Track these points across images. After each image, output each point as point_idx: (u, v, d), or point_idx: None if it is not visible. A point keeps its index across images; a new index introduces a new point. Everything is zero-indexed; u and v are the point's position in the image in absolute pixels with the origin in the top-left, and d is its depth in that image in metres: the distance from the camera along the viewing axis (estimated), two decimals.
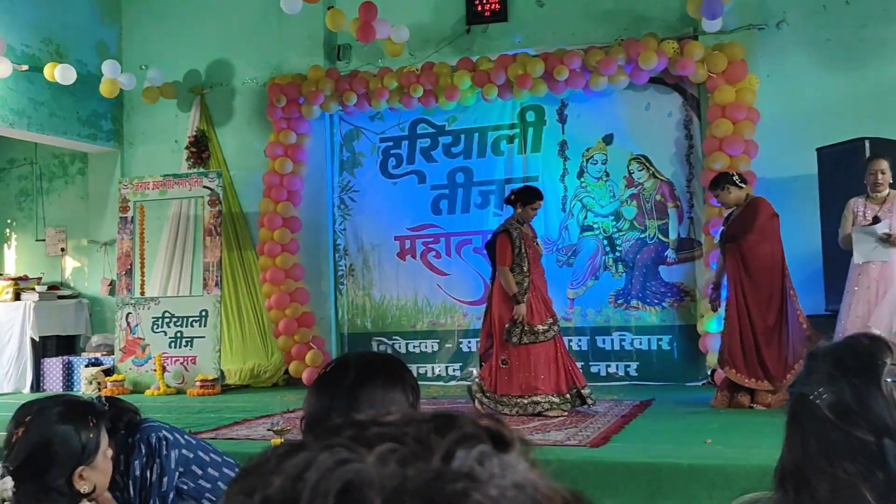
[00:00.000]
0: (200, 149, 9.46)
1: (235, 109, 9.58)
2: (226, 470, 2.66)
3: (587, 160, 8.49)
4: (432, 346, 8.82)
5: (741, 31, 7.84)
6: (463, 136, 8.84)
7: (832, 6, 7.73)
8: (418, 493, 0.46)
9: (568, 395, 6.18)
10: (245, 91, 9.53)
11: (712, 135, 7.67)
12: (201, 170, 9.30)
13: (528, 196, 6.42)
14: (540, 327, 6.18)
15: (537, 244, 6.54)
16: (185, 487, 2.56)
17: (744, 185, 6.21)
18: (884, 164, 5.76)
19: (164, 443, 2.53)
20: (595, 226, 8.44)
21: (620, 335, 8.26)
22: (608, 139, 8.41)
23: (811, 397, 1.04)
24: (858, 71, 7.57)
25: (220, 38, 9.54)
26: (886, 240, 5.65)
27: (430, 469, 0.48)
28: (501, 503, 0.47)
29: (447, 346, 8.76)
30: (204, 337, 8.63)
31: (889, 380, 1.00)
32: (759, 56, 7.82)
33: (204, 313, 8.69)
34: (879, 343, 1.06)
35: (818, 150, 6.73)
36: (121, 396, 6.77)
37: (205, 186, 8.96)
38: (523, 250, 6.21)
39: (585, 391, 6.22)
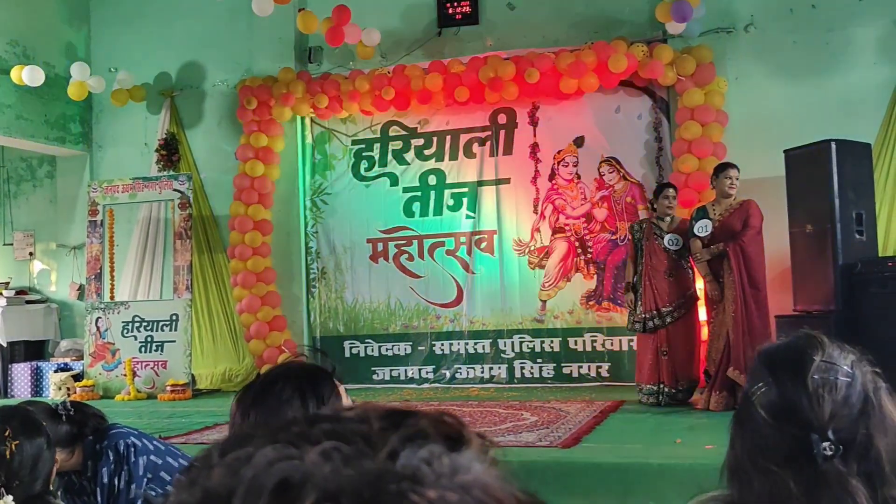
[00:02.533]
0: (170, 151, 9.40)
1: (206, 112, 9.53)
2: None
3: (558, 162, 8.53)
4: (405, 349, 8.82)
5: (709, 34, 7.93)
6: (435, 139, 8.85)
7: (799, 10, 7.83)
8: (354, 493, 0.45)
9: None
10: (215, 93, 9.48)
11: (681, 137, 7.75)
12: (171, 173, 9.24)
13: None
14: None
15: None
16: (154, 493, 2.55)
17: None
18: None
19: (133, 449, 2.51)
20: (567, 227, 8.49)
21: (592, 336, 8.31)
22: (579, 141, 8.46)
23: (749, 395, 1.06)
24: (825, 74, 7.67)
25: (191, 41, 9.48)
26: None
27: (372, 469, 0.47)
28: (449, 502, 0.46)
29: (420, 348, 8.76)
30: (175, 341, 8.57)
31: (816, 375, 1.02)
32: (728, 59, 7.91)
33: (174, 317, 8.63)
34: (813, 340, 1.08)
35: (785, 152, 6.80)
36: (91, 402, 6.70)
37: (175, 189, 8.90)
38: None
39: None
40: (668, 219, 6.76)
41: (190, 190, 8.88)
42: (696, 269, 6.75)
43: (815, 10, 7.80)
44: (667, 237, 6.65)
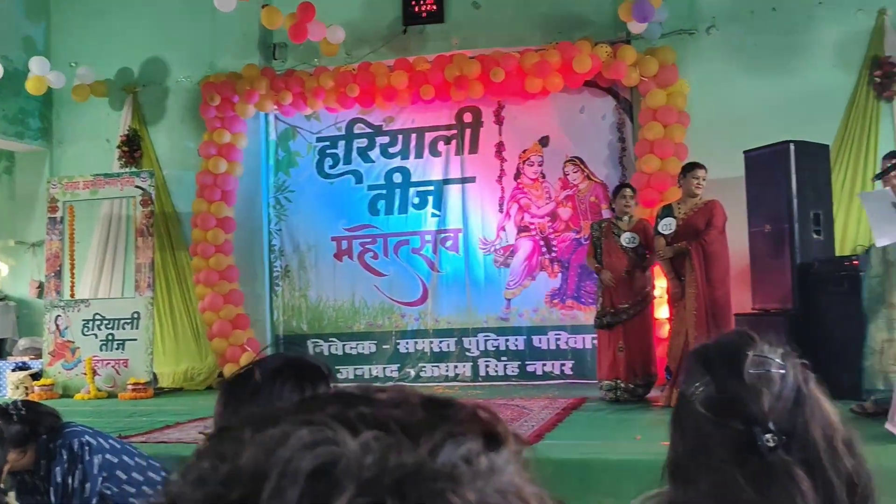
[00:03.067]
0: (132, 148, 9.30)
1: (168, 108, 9.44)
2: (150, 474, 2.63)
3: (524, 162, 8.57)
4: (370, 348, 8.81)
5: (672, 36, 8.01)
6: (400, 137, 8.84)
7: (760, 13, 7.93)
8: (395, 487, 0.44)
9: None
10: (178, 89, 9.39)
11: (644, 138, 7.82)
12: (133, 169, 9.14)
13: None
14: None
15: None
16: (109, 492, 2.52)
17: None
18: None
19: (87, 448, 2.49)
20: (532, 226, 8.53)
21: (556, 334, 8.35)
22: (544, 141, 8.51)
23: (687, 395, 1.08)
24: (784, 76, 7.78)
25: (153, 36, 9.38)
26: None
27: (412, 464, 0.45)
28: None
29: (384, 347, 8.75)
30: (136, 339, 8.49)
31: (752, 370, 1.04)
32: (690, 61, 7.99)
33: (136, 315, 8.54)
34: (744, 336, 1.11)
35: (745, 153, 6.89)
36: (49, 401, 6.62)
37: (137, 186, 8.81)
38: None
39: None
40: (626, 218, 6.85)
41: (152, 187, 8.79)
42: (656, 267, 6.85)
43: (775, 13, 7.90)
44: (624, 236, 6.74)
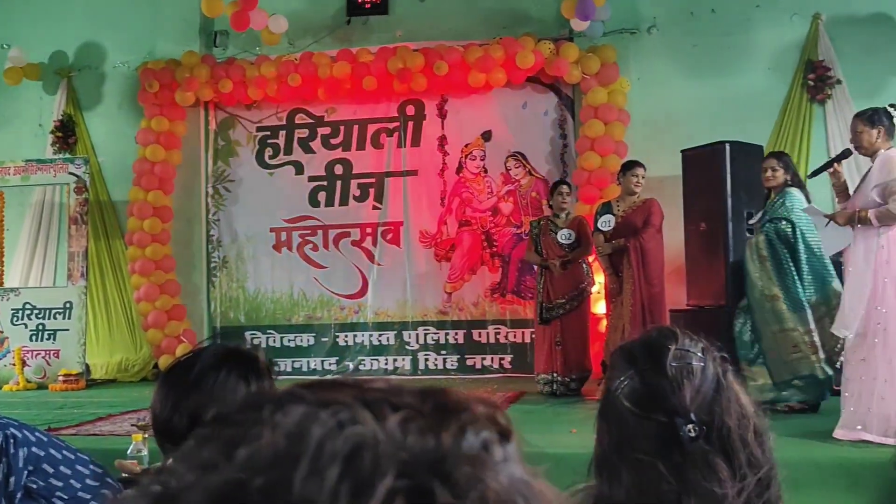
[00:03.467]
0: (67, 134, 9.07)
1: (105, 94, 9.22)
2: (79, 467, 2.57)
3: (466, 156, 8.59)
4: (308, 340, 8.75)
5: (614, 34, 8.10)
6: (342, 128, 8.79)
7: (699, 14, 8.07)
8: (434, 469, 0.42)
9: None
10: (116, 75, 9.18)
11: (585, 135, 7.90)
12: (67, 155, 8.91)
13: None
14: None
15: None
16: (35, 486, 2.46)
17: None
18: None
19: (12, 441, 2.42)
20: (473, 221, 8.55)
21: (496, 328, 8.40)
22: (487, 136, 8.54)
23: (613, 390, 1.11)
24: (722, 77, 7.94)
25: (90, 19, 9.15)
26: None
27: (443, 447, 0.43)
28: (510, 494, 0.44)
29: (323, 339, 8.70)
30: (68, 330, 8.29)
31: (674, 363, 1.07)
32: (631, 59, 8.09)
33: (68, 305, 8.35)
34: (666, 331, 1.14)
35: (682, 152, 7.01)
36: None
37: (71, 173, 8.59)
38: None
39: None
40: (563, 215, 6.93)
41: (87, 174, 8.59)
42: (595, 263, 6.94)
43: (714, 15, 8.05)
44: (560, 233, 6.83)
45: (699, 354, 1.10)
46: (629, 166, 6.67)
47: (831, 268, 5.45)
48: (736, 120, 7.49)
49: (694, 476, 1.02)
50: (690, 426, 1.03)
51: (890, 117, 4.63)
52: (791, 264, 5.45)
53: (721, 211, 6.56)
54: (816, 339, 5.30)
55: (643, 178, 6.59)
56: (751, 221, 6.01)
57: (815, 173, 5.46)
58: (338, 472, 0.41)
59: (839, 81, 7.71)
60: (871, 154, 4.68)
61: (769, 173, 5.67)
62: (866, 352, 4.51)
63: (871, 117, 4.63)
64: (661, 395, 1.06)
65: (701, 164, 6.82)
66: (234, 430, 0.44)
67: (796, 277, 5.41)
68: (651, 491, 1.03)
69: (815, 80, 7.72)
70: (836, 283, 5.37)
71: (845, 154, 4.87)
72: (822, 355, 5.30)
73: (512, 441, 0.47)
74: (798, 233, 5.44)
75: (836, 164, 4.83)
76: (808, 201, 5.56)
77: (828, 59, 7.74)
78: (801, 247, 5.43)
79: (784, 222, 5.50)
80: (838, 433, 4.56)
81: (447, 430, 0.44)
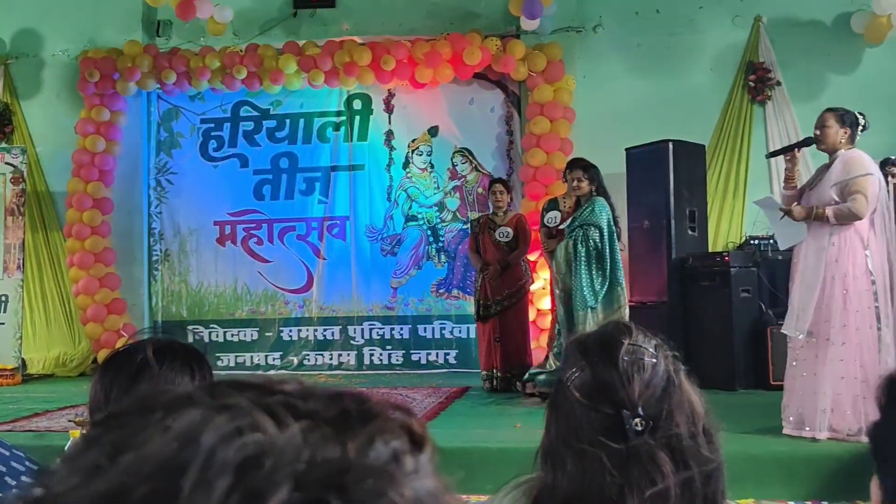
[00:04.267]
0: (3, 122, 8.83)
1: (44, 82, 8.99)
2: (14, 464, 2.51)
3: (413, 151, 8.58)
4: (252, 335, 8.66)
5: (560, 32, 8.15)
6: (288, 121, 8.71)
7: (644, 14, 8.18)
8: (333, 483, 0.40)
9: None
10: (55, 63, 8.96)
11: (531, 132, 7.95)
12: (4, 145, 8.67)
13: None
14: None
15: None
16: None
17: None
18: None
19: None
20: (419, 216, 8.56)
21: (441, 324, 8.42)
22: (433, 131, 8.54)
23: (564, 381, 1.12)
24: (665, 76, 8.05)
25: (28, 6, 8.91)
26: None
27: (349, 458, 0.41)
28: None
29: (267, 334, 8.62)
30: (4, 323, 8.07)
31: (626, 357, 1.09)
32: (577, 58, 8.16)
33: (4, 298, 8.13)
34: (620, 326, 1.16)
35: (626, 150, 7.10)
36: None
37: (7, 163, 8.36)
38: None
39: None
40: (501, 213, 6.95)
41: (24, 164, 8.36)
42: (541, 259, 6.99)
43: (659, 16, 8.16)
44: (498, 230, 6.86)
45: (651, 350, 1.12)
46: (569, 167, 6.56)
47: (620, 275, 5.94)
48: (679, 119, 7.61)
49: (636, 469, 1.03)
50: (637, 420, 1.05)
51: (857, 124, 4.66)
52: (595, 266, 5.87)
53: (664, 209, 6.67)
54: None
55: (580, 179, 6.23)
56: (560, 227, 6.36)
57: (775, 154, 5.54)
58: (228, 482, 0.39)
59: (779, 83, 7.88)
60: (831, 152, 4.67)
61: (575, 183, 6.06)
62: (811, 350, 4.60)
63: (842, 116, 4.63)
64: (610, 388, 1.08)
65: (644, 162, 6.92)
66: (122, 431, 0.42)
67: (595, 279, 5.84)
68: (594, 482, 1.04)
69: (755, 82, 7.88)
70: (620, 289, 5.92)
71: (807, 142, 4.87)
72: None
73: (426, 451, 0.45)
74: (605, 238, 5.88)
75: (795, 150, 4.85)
76: (613, 210, 6.03)
77: (768, 60, 7.91)
78: (607, 251, 5.87)
79: (593, 228, 5.91)
80: (787, 429, 4.65)
81: (353, 439, 0.42)
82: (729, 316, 6.32)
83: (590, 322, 5.69)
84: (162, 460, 0.39)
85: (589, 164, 6.21)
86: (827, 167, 4.72)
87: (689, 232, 6.82)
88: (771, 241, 7.04)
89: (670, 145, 6.74)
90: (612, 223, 5.96)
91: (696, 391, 1.14)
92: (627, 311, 6.02)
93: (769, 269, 6.66)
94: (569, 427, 1.09)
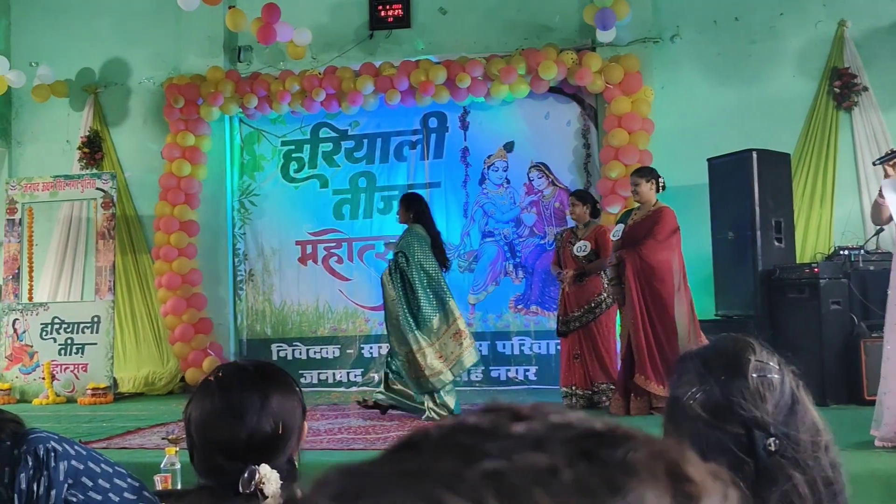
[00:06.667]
0: (93, 149, 9.16)
1: (131, 109, 9.30)
2: (117, 481, 2.58)
3: (488, 167, 8.59)
4: (333, 352, 8.76)
5: (637, 43, 8.08)
6: (366, 141, 8.82)
7: (723, 22, 8.04)
8: None
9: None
10: (141, 91, 9.27)
11: (609, 144, 7.88)
12: (94, 171, 9.00)
13: None
14: None
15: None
16: (75, 500, 2.47)
17: (661, 191, 6.22)
18: None
19: (53, 454, 2.43)
20: (496, 232, 8.55)
21: (520, 340, 8.38)
22: (509, 147, 8.54)
23: (684, 398, 1.09)
24: (746, 84, 7.90)
25: (115, 36, 9.25)
26: None
27: None
28: None
29: (349, 351, 8.71)
30: (96, 343, 8.35)
31: (755, 375, 1.06)
32: (654, 68, 8.07)
33: (96, 319, 8.41)
34: (743, 342, 1.13)
35: (709, 160, 6.98)
36: (7, 406, 6.48)
37: (98, 188, 8.67)
38: None
39: None
40: (582, 226, 6.81)
41: (113, 189, 8.66)
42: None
43: (738, 23, 8.02)
44: (577, 244, 6.70)
45: (776, 367, 1.09)
46: (640, 173, 6.45)
47: (448, 288, 6.25)
48: (761, 128, 7.45)
49: (773, 489, 1.00)
50: (772, 440, 1.02)
51: None
52: (409, 290, 6.10)
53: (749, 219, 6.53)
54: (437, 353, 6.06)
55: (637, 185, 6.18)
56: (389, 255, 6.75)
57: (883, 160, 5.33)
58: None
59: (865, 88, 7.65)
60: None
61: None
62: None
63: None
64: (739, 407, 1.05)
65: (727, 172, 6.79)
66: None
67: (411, 301, 6.09)
68: None
69: (840, 87, 7.67)
70: (452, 303, 6.20)
71: None
72: (447, 366, 6.09)
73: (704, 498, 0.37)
74: (413, 263, 6.11)
75: None
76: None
77: (854, 66, 7.69)
78: (416, 275, 6.09)
79: (400, 255, 6.16)
80: (878, 443, 4.51)
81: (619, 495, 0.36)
82: (819, 329, 6.12)
83: (431, 340, 6.08)
84: None
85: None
86: None
87: (776, 243, 6.65)
88: (862, 250, 6.83)
89: (754, 154, 6.60)
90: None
91: (815, 406, 1.10)
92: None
93: (860, 280, 6.45)
94: (692, 445, 1.06)
